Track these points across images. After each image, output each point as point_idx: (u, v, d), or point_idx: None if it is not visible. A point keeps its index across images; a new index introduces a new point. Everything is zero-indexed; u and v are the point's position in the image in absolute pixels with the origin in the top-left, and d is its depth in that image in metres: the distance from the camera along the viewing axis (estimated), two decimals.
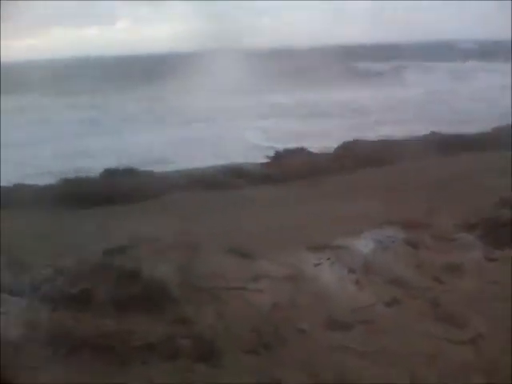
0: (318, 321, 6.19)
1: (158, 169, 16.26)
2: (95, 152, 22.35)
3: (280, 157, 15.61)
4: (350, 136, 18.37)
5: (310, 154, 15.82)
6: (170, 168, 17.30)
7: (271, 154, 17.30)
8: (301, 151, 15.96)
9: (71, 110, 36.07)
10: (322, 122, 27.18)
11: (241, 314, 6.11)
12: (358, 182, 12.81)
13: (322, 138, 21.67)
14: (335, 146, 17.24)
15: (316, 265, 7.79)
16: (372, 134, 21.40)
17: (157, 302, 5.95)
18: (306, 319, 6.16)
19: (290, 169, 13.93)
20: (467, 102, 31.43)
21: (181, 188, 12.99)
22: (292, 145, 18.31)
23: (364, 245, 8.37)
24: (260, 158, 17.61)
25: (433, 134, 17.59)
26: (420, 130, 19.41)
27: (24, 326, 5.29)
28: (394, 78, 46.51)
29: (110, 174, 14.27)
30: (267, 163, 15.76)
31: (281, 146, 18.47)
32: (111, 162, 17.29)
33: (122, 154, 20.76)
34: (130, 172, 14.23)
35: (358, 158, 14.95)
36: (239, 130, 26.31)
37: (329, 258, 7.91)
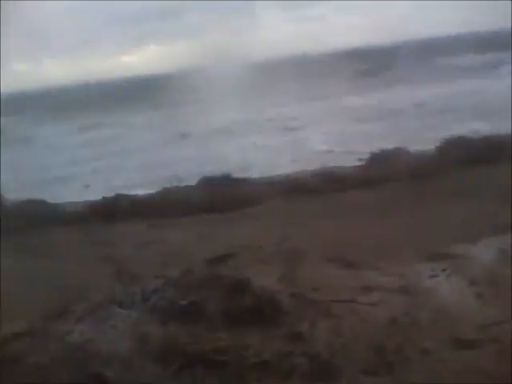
0: (442, 339, 5.63)
1: (246, 175, 16.18)
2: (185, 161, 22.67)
3: (376, 159, 14.91)
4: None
5: (409, 154, 14.94)
6: (255, 174, 17.06)
7: (363, 156, 16.53)
8: (399, 151, 15.13)
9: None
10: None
11: (356, 330, 5.72)
12: (465, 183, 11.83)
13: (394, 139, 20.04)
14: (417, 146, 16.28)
15: (431, 276, 7.22)
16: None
17: (268, 315, 5.73)
18: (429, 337, 5.64)
19: (389, 171, 13.23)
20: None
21: (278, 194, 12.77)
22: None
23: (484, 254, 7.65)
24: (348, 162, 16.91)
25: None
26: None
27: (135, 339, 5.26)
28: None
29: (207, 181, 14.36)
30: (362, 166, 15.10)
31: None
32: (201, 170, 17.58)
33: (209, 162, 20.81)
34: (226, 179, 14.23)
35: (461, 157, 13.89)
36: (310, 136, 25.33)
37: (444, 269, 7.31)
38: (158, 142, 29.64)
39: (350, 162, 16.75)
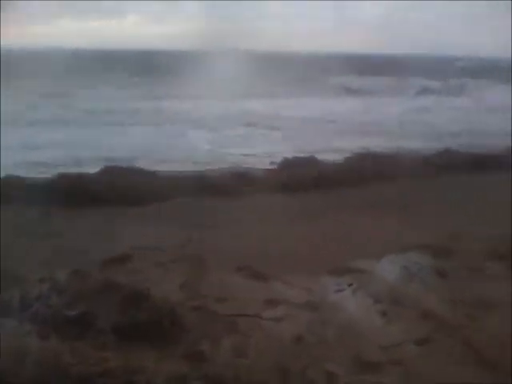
0: (347, 360, 5.46)
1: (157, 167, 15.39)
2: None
3: (289, 165, 14.87)
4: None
5: (320, 163, 15.08)
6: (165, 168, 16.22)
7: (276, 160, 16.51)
8: (311, 160, 15.22)
9: None
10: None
11: (261, 349, 5.36)
12: (373, 197, 12.09)
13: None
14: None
15: (337, 291, 7.09)
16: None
17: (166, 331, 5.19)
18: (334, 358, 5.44)
19: (300, 178, 13.19)
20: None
21: (186, 191, 12.15)
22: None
23: (388, 270, 7.67)
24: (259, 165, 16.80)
25: (446, 151, 16.92)
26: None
27: (7, 356, 4.47)
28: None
29: (110, 170, 13.29)
30: (274, 170, 14.99)
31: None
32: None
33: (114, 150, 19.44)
34: (132, 170, 13.33)
35: (370, 171, 14.25)
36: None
37: (351, 284, 7.21)
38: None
39: (262, 165, 16.59)
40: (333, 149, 19.57)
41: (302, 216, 10.62)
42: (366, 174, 13.73)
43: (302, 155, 15.99)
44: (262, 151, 20.25)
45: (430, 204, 11.42)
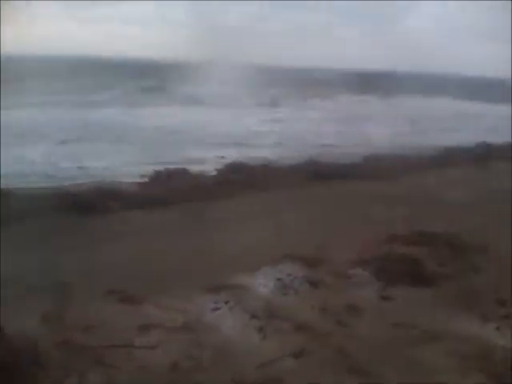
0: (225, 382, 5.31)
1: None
2: None
3: (159, 177, 14.42)
4: None
5: (191, 175, 14.86)
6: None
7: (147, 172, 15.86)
8: (182, 172, 14.94)
9: None
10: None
11: (133, 381, 5.00)
12: (245, 208, 12.16)
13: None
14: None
15: (214, 309, 6.93)
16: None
17: (25, 370, 4.59)
18: (212, 382, 5.26)
19: (172, 191, 12.83)
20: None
21: (48, 209, 11.08)
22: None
23: (263, 284, 7.73)
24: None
25: (310, 161, 17.69)
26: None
27: None
28: None
29: None
30: (144, 183, 14.42)
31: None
32: None
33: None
34: None
35: (243, 182, 14.38)
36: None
37: (227, 302, 7.11)
38: None
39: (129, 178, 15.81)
40: (192, 159, 19.14)
41: (176, 231, 10.29)
42: (238, 184, 13.85)
43: (172, 167, 15.59)
44: (120, 163, 18.82)
45: (300, 213, 11.80)
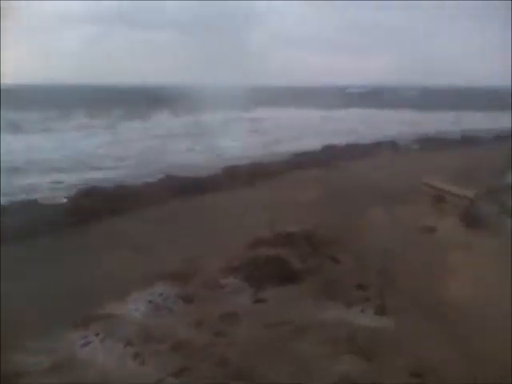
0: None
1: None
2: None
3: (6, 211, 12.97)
4: None
5: (40, 205, 13.71)
6: None
7: None
8: (31, 204, 13.70)
9: None
10: None
11: None
12: (109, 233, 11.52)
13: None
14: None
15: (84, 345, 6.48)
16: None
17: None
18: None
19: (23, 225, 11.59)
20: None
21: None
22: None
23: (135, 309, 7.43)
24: None
25: (167, 177, 17.47)
26: None
27: None
28: None
29: None
30: None
31: None
32: None
33: None
34: None
35: (98, 207, 13.61)
36: None
37: (98, 334, 6.70)
38: None
39: None
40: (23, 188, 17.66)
41: (35, 265, 9.39)
42: (94, 210, 13.09)
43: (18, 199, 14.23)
44: None
45: (162, 231, 11.58)
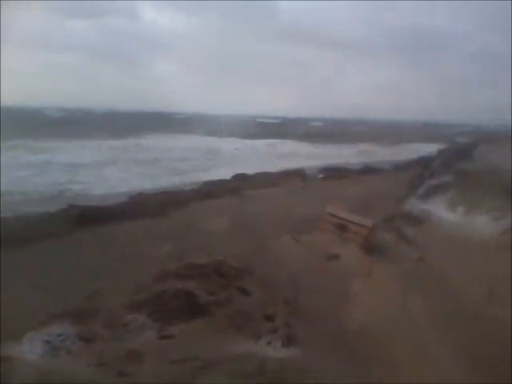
0: None
1: None
2: None
3: None
4: None
5: None
6: None
7: None
8: None
9: None
10: None
11: None
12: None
13: None
14: None
15: None
16: None
17: None
18: None
19: None
20: None
21: None
22: None
23: (30, 351, 6.91)
24: None
25: (69, 207, 16.56)
26: None
27: None
28: None
29: None
30: None
31: None
32: None
33: None
34: None
35: None
36: None
37: None
38: None
39: None
40: None
41: None
42: None
43: None
44: None
45: (62, 265, 10.96)
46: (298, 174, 28.17)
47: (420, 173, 24.34)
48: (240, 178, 26.19)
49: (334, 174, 29.08)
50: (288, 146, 57.45)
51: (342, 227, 13.29)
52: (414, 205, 17.30)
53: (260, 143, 58.97)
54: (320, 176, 28.87)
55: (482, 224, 15.14)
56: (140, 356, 7.24)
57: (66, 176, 29.41)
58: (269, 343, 7.91)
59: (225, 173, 28.49)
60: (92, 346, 7.30)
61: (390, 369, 7.76)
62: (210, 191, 21.61)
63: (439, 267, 11.92)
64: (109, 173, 30.24)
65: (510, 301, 9.95)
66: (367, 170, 31.37)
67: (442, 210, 16.62)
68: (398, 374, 7.62)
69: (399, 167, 33.14)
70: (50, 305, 8.46)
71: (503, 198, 15.84)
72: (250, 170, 29.33)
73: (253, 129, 72.98)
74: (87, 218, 15.26)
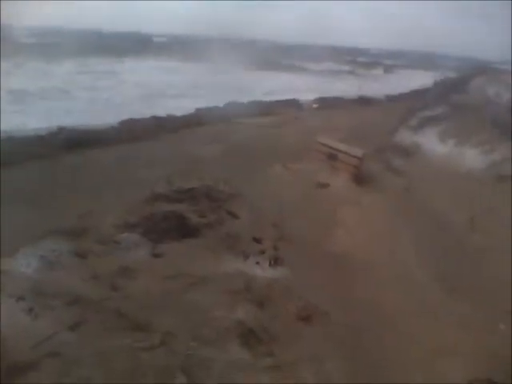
0: None
1: None
2: None
3: None
4: None
5: None
6: None
7: None
8: None
9: None
10: None
11: None
12: None
13: None
14: None
15: None
16: None
17: None
18: None
19: None
20: None
21: None
22: None
23: (26, 264, 7.15)
24: None
25: (59, 129, 16.39)
26: None
27: None
28: None
29: None
30: None
31: None
32: None
33: None
34: None
35: None
36: None
37: None
38: None
39: None
40: None
41: None
42: None
43: None
44: None
45: (54, 186, 11.05)
46: (292, 104, 27.80)
47: (414, 104, 24.15)
48: (232, 105, 25.73)
49: (328, 103, 28.74)
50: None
51: (332, 156, 13.40)
52: (405, 136, 17.37)
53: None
54: (314, 106, 28.55)
55: (471, 157, 15.35)
56: (132, 272, 7.54)
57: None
58: (257, 263, 8.24)
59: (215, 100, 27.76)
60: (86, 261, 7.55)
61: (371, 290, 8.17)
62: (203, 117, 21.37)
63: (425, 197, 12.22)
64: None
65: (491, 230, 10.35)
66: (362, 101, 31.03)
67: (432, 142, 16.73)
68: (379, 295, 8.03)
69: (394, 98, 32.81)
70: (43, 222, 8.62)
71: (493, 132, 15.96)
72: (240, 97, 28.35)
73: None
74: (76, 140, 15.19)
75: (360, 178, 12.81)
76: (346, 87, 42.65)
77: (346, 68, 66.00)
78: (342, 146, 13.41)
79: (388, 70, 67.58)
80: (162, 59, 55.22)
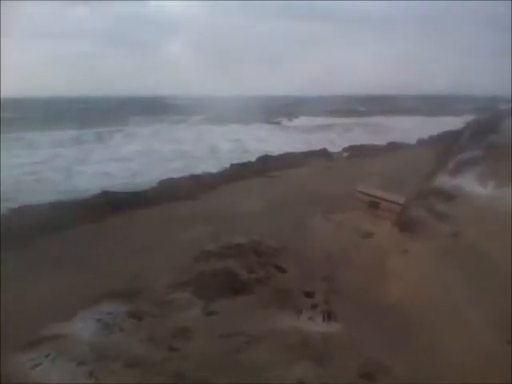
0: None
1: None
2: None
3: None
4: None
5: None
6: None
7: None
8: None
9: None
10: None
11: None
12: (41, 255, 10.98)
13: None
14: None
15: (34, 366, 6.24)
16: None
17: None
18: None
19: None
20: None
21: None
22: None
23: (84, 328, 7.22)
24: None
25: (102, 193, 16.83)
26: None
27: None
28: None
29: None
30: None
31: None
32: None
33: None
34: None
35: (29, 226, 12.98)
36: None
37: (48, 355, 6.48)
38: None
39: None
40: None
41: None
42: (30, 229, 12.51)
43: None
44: None
45: (103, 248, 11.27)
46: (322, 154, 28.01)
47: (447, 147, 24.02)
48: (264, 159, 26.04)
49: (358, 151, 28.83)
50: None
51: (374, 205, 13.33)
52: (444, 180, 17.17)
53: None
54: (345, 155, 28.67)
55: None
56: (188, 331, 7.51)
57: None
58: (310, 318, 8.10)
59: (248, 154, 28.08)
60: (141, 323, 7.58)
61: (428, 338, 7.85)
62: (238, 172, 21.67)
63: (472, 241, 11.87)
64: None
65: None
66: (391, 147, 31.01)
67: (472, 185, 16.45)
68: (437, 343, 7.70)
69: (424, 142, 32.65)
70: (96, 285, 8.75)
71: None
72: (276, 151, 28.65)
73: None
74: (120, 203, 15.56)
75: (404, 225, 12.63)
76: (373, 135, 42.77)
77: (373, 118, 66.01)
78: (383, 194, 13.35)
79: (406, 113, 66.81)
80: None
